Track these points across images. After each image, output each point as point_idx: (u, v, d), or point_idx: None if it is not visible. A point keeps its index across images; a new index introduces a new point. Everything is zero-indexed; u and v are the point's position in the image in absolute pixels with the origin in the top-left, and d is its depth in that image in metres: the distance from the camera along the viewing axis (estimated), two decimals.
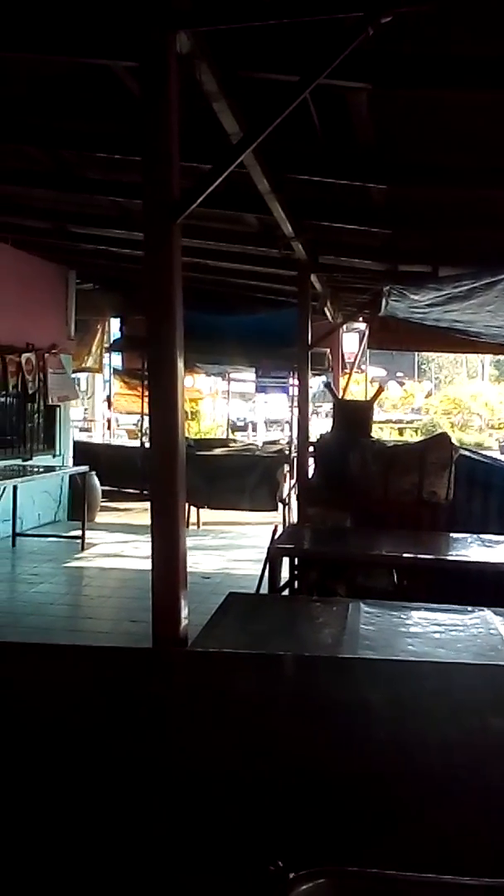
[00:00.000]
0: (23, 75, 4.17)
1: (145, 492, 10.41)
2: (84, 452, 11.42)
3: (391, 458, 6.24)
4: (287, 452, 11.07)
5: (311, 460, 7.48)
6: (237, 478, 10.51)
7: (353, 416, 7.32)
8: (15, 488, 8.75)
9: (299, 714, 2.14)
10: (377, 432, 11.56)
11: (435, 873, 1.23)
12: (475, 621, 3.31)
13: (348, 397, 10.20)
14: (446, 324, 7.35)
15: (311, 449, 7.53)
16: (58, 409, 10.48)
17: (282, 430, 21.38)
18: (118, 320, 13.02)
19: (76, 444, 11.72)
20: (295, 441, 9.66)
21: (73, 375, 11.39)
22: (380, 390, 9.82)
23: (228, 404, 17.68)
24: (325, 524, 5.96)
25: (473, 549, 5.05)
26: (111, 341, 13.14)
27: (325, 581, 4.99)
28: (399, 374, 30.06)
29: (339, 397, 8.94)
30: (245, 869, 1.33)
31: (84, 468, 9.71)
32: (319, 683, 2.42)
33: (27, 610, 6.55)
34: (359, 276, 7.91)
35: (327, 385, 9.85)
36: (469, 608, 3.48)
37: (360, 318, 10.60)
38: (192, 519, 10.36)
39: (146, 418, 7.26)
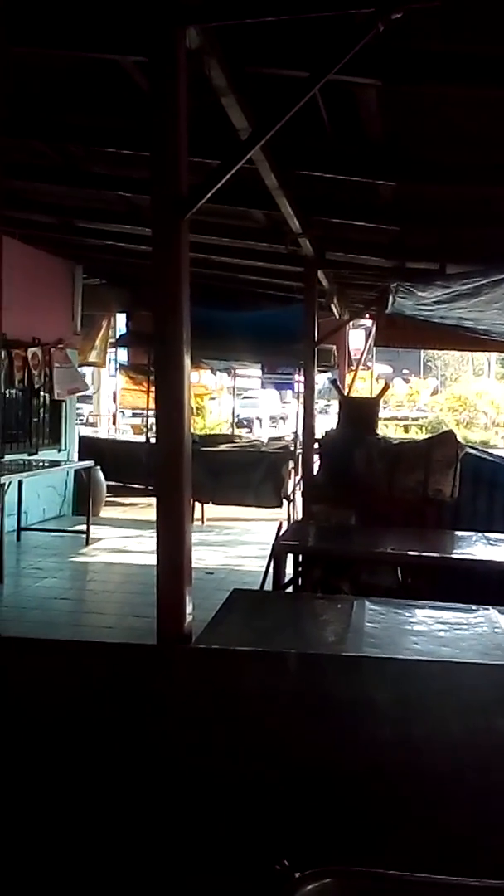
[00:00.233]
0: (31, 70, 4.16)
1: (150, 487, 10.42)
2: (89, 447, 11.47)
3: (396, 456, 6.23)
4: (292, 449, 11.05)
5: (316, 457, 7.47)
6: (242, 474, 10.49)
7: (358, 413, 7.30)
8: (20, 483, 8.75)
9: (304, 712, 2.13)
10: (382, 429, 11.54)
11: (441, 874, 1.23)
12: (480, 620, 3.31)
13: (354, 394, 10.19)
14: (453, 321, 7.32)
15: (316, 446, 7.52)
16: (63, 403, 10.48)
17: (275, 427, 21.41)
18: (124, 316, 13.00)
19: (81, 439, 11.74)
20: (300, 437, 9.65)
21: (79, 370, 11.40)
22: (385, 387, 9.81)
23: (234, 400, 17.67)
24: (330, 521, 5.95)
25: (478, 547, 5.04)
26: (116, 336, 13.14)
27: (330, 578, 4.98)
28: (405, 371, 30.09)
29: (345, 394, 8.92)
30: (251, 868, 1.32)
31: (89, 463, 9.73)
32: (324, 681, 2.42)
33: (31, 604, 6.57)
34: (366, 273, 7.90)
35: (333, 382, 9.84)
36: (474, 607, 3.48)
37: (367, 315, 10.58)
38: (197, 514, 10.36)
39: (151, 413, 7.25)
